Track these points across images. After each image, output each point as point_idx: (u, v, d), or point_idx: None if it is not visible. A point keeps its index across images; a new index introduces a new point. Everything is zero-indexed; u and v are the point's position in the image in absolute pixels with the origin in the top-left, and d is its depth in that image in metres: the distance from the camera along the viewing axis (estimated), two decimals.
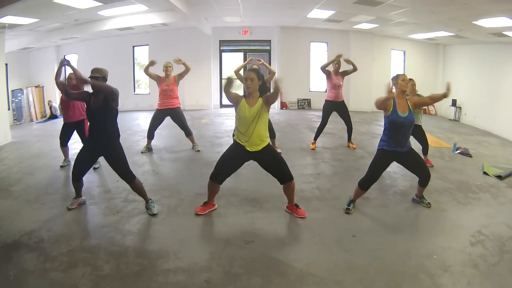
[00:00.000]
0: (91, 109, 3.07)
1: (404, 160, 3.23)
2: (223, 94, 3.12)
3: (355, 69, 5.39)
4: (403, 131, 3.09)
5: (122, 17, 7.41)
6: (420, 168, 3.27)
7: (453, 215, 3.36)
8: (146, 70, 5.12)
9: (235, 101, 3.04)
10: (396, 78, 3.21)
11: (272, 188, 3.56)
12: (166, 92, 5.15)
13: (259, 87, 2.99)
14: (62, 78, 4.48)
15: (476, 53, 8.62)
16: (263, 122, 2.99)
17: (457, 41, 8.85)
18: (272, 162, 3.08)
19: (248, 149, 3.01)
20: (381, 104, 3.05)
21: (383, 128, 3.23)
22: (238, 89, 3.85)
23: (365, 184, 3.26)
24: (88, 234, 2.94)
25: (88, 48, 9.96)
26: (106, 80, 3.13)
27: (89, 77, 3.04)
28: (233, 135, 3.29)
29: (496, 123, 7.61)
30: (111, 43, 9.95)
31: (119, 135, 3.21)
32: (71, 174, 3.29)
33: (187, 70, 5.16)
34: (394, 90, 3.11)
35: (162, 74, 5.19)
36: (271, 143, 3.16)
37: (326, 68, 5.37)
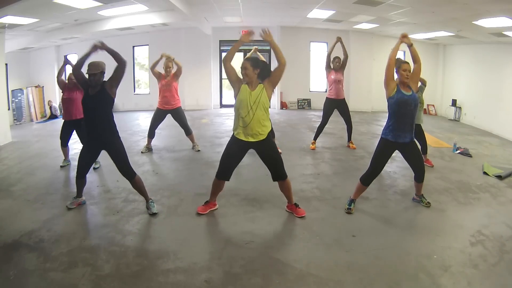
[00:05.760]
0: (88, 95, 3.08)
1: (405, 150, 3.26)
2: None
3: (345, 54, 5.41)
4: (409, 112, 3.08)
5: (122, 17, 7.40)
6: (416, 162, 3.31)
7: (453, 215, 3.36)
8: (152, 67, 5.22)
9: (234, 80, 3.02)
10: (398, 65, 3.17)
11: (272, 188, 3.55)
12: (165, 87, 5.17)
13: (260, 73, 2.98)
14: (63, 76, 4.55)
15: (476, 53, 8.61)
16: (263, 107, 2.97)
17: (457, 41, 8.84)
18: (269, 156, 3.11)
19: (246, 139, 3.01)
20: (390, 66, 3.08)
21: (387, 115, 3.23)
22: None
23: (367, 179, 3.27)
24: (88, 234, 2.94)
25: (88, 48, 9.95)
26: (104, 73, 3.14)
27: (86, 73, 3.07)
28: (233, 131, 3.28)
29: (496, 123, 7.61)
30: (111, 43, 9.81)
31: (117, 130, 3.21)
32: (76, 171, 3.30)
33: (179, 68, 5.20)
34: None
35: (162, 71, 5.24)
36: (271, 136, 3.15)
37: (330, 64, 5.43)
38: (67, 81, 4.57)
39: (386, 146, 3.21)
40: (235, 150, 3.12)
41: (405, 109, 3.08)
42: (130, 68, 10.37)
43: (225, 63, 2.99)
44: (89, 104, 3.09)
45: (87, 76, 3.09)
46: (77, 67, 3.18)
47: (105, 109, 3.10)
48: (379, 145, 3.26)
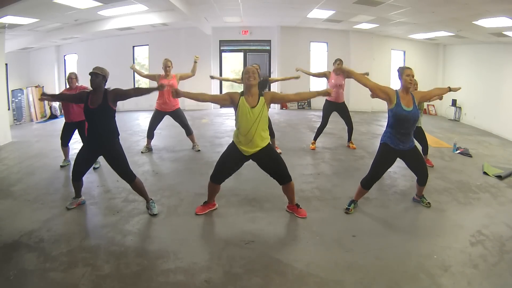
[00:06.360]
0: (89, 109, 3.07)
1: (406, 157, 3.23)
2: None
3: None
4: (406, 126, 3.04)
5: (122, 17, 7.40)
6: (419, 167, 3.28)
7: (453, 215, 3.36)
8: (141, 75, 5.31)
9: (227, 101, 2.99)
10: (401, 71, 3.12)
11: (272, 188, 3.56)
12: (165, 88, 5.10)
13: (259, 84, 2.96)
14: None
15: (476, 53, 8.62)
16: (264, 121, 2.96)
17: (457, 41, 8.85)
18: (271, 162, 3.06)
19: (247, 152, 2.99)
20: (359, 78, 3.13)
21: (386, 122, 3.20)
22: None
23: (368, 183, 3.25)
24: (88, 234, 2.94)
25: (88, 48, 9.95)
26: (106, 80, 3.13)
27: (89, 73, 3.06)
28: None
29: (496, 123, 7.61)
30: (111, 43, 9.94)
31: (119, 134, 3.21)
32: (71, 173, 3.29)
33: (190, 75, 5.17)
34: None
35: (161, 72, 5.18)
36: (271, 142, 3.14)
37: (323, 71, 5.44)
38: (66, 82, 4.56)
39: (386, 151, 3.16)
40: (233, 159, 3.08)
41: (403, 123, 3.03)
42: (130, 69, 10.37)
43: (204, 101, 3.05)
44: (91, 118, 3.08)
45: (89, 75, 3.06)
46: (62, 99, 3.39)
47: (107, 121, 3.09)
48: (380, 151, 3.21)
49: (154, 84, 5.27)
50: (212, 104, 10.38)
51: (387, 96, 3.08)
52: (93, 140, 3.13)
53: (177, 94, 3.00)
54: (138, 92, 3.20)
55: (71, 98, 3.37)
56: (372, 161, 3.30)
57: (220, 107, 10.57)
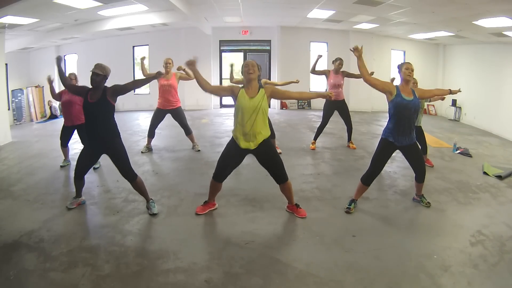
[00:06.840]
0: (88, 103, 3.06)
1: (406, 151, 3.26)
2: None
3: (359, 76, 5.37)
4: (408, 116, 3.08)
5: (122, 17, 7.41)
6: (417, 163, 3.31)
7: (453, 215, 3.36)
8: (143, 73, 5.20)
9: (227, 92, 3.03)
10: (401, 66, 3.21)
11: (272, 188, 3.55)
12: (165, 88, 5.11)
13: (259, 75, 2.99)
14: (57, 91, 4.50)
15: (476, 53, 8.62)
16: (263, 114, 2.94)
17: (457, 41, 8.85)
18: (269, 159, 3.07)
19: (245, 146, 2.98)
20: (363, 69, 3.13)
21: (388, 117, 3.23)
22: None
23: (368, 178, 3.27)
24: (88, 234, 2.93)
25: (88, 48, 9.96)
26: (107, 78, 3.12)
27: (90, 71, 3.05)
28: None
29: (496, 123, 7.61)
30: (111, 43, 9.95)
31: (119, 133, 3.20)
32: (74, 171, 3.29)
33: (189, 78, 5.18)
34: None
35: (162, 70, 5.19)
36: (270, 139, 3.14)
37: (323, 70, 5.41)
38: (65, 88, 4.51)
39: (386, 146, 3.21)
40: (233, 155, 3.09)
41: (403, 113, 3.07)
42: (130, 68, 10.38)
43: (206, 89, 2.98)
44: (90, 111, 3.08)
45: (90, 73, 3.06)
46: (64, 82, 3.27)
47: (106, 116, 3.08)
48: (380, 145, 3.26)
49: (154, 84, 5.31)
50: (212, 104, 10.42)
51: (387, 89, 3.12)
52: (93, 138, 3.13)
53: (190, 63, 2.97)
54: (137, 84, 3.21)
55: (73, 87, 3.34)
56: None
57: (220, 107, 10.59)
